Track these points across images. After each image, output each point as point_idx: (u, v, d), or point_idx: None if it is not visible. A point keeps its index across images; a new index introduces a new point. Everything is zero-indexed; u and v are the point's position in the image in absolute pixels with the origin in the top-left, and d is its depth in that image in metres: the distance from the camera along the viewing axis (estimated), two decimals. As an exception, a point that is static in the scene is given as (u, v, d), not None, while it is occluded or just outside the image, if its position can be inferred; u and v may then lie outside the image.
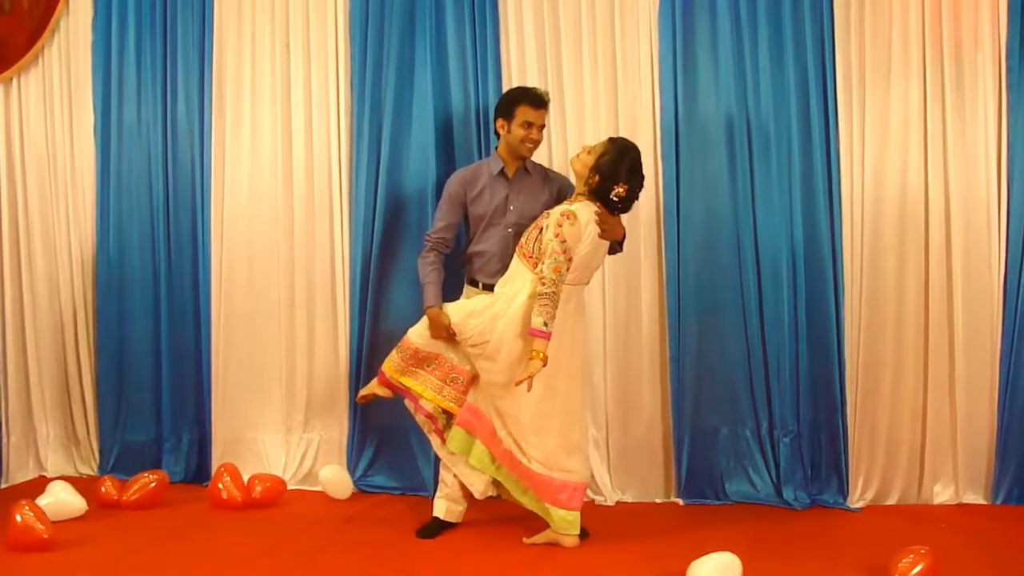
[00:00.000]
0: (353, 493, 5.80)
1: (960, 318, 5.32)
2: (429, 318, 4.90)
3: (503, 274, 4.92)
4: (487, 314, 4.76)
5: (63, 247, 6.37)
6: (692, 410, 5.53)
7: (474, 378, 4.89)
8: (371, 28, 5.77)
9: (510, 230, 5.01)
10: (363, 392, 5.19)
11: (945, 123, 5.30)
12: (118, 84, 6.19)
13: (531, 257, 4.70)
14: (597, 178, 4.65)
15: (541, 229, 4.66)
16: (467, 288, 5.14)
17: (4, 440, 6.25)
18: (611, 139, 4.79)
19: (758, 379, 5.48)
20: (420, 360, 4.94)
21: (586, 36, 5.61)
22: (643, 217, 5.51)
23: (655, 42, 5.52)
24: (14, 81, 6.37)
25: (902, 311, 5.38)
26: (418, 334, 4.94)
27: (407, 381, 4.98)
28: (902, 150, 5.35)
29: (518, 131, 4.96)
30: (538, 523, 4.84)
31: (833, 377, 5.37)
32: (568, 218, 4.57)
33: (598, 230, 4.67)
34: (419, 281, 5.07)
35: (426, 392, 4.93)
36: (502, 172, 5.07)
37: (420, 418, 5.02)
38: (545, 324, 4.45)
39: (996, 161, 5.30)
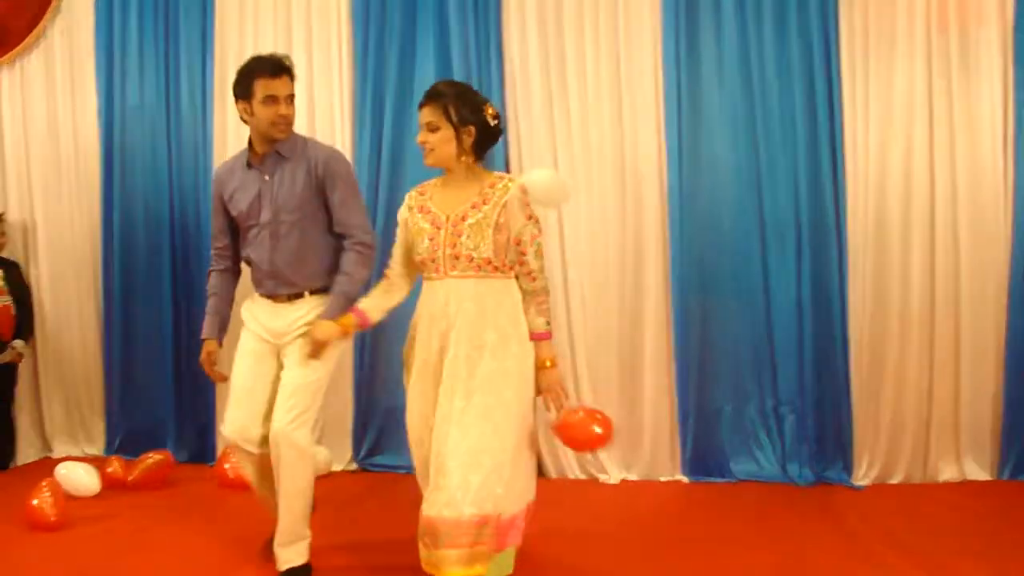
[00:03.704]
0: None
1: (965, 295, 5.30)
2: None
3: (272, 284, 4.14)
4: None
5: (68, 229, 6.40)
6: (696, 388, 5.53)
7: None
8: (372, 11, 5.78)
9: (265, 231, 4.10)
10: None
11: (951, 98, 5.26)
12: (121, 65, 6.23)
13: (501, 267, 3.69)
14: (473, 128, 3.67)
15: (495, 226, 3.65)
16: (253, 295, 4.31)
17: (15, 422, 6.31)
18: (430, 102, 3.68)
19: (763, 357, 5.48)
20: None
21: (588, 17, 5.60)
22: (647, 197, 5.51)
23: (658, 20, 5.49)
24: (17, 63, 6.38)
25: (907, 288, 5.36)
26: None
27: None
28: (907, 126, 5.32)
29: (263, 110, 3.99)
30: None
31: (837, 354, 5.37)
32: (526, 192, 3.68)
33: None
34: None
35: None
36: (249, 163, 4.16)
37: None
38: (547, 323, 3.73)
39: (1003, 135, 5.27)
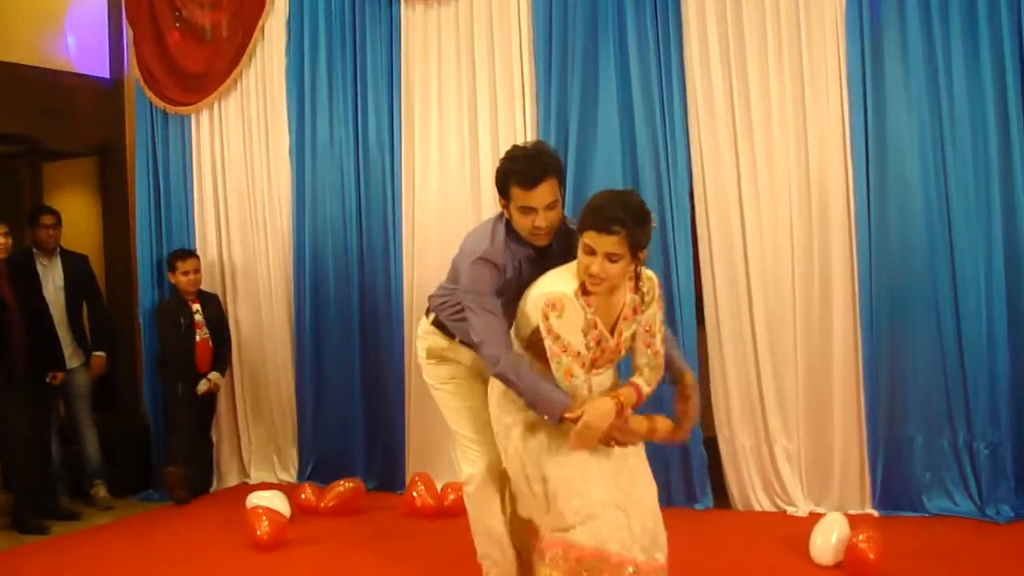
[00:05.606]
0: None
1: None
2: (596, 413, 3.31)
3: None
4: None
5: (262, 265, 6.70)
6: (887, 418, 5.36)
7: None
8: (555, 38, 5.83)
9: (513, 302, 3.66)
10: None
11: None
12: (311, 105, 6.48)
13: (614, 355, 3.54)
14: (646, 250, 3.39)
15: (648, 329, 3.51)
16: (429, 328, 4.08)
17: (215, 448, 6.62)
18: (614, 234, 3.24)
19: (955, 386, 5.26)
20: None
21: (771, 40, 5.51)
22: (834, 223, 5.40)
23: (842, 42, 5.37)
24: (215, 105, 6.70)
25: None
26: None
27: None
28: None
29: (520, 218, 3.60)
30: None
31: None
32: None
33: None
34: (523, 385, 3.46)
35: None
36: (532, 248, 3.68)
37: None
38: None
39: None
